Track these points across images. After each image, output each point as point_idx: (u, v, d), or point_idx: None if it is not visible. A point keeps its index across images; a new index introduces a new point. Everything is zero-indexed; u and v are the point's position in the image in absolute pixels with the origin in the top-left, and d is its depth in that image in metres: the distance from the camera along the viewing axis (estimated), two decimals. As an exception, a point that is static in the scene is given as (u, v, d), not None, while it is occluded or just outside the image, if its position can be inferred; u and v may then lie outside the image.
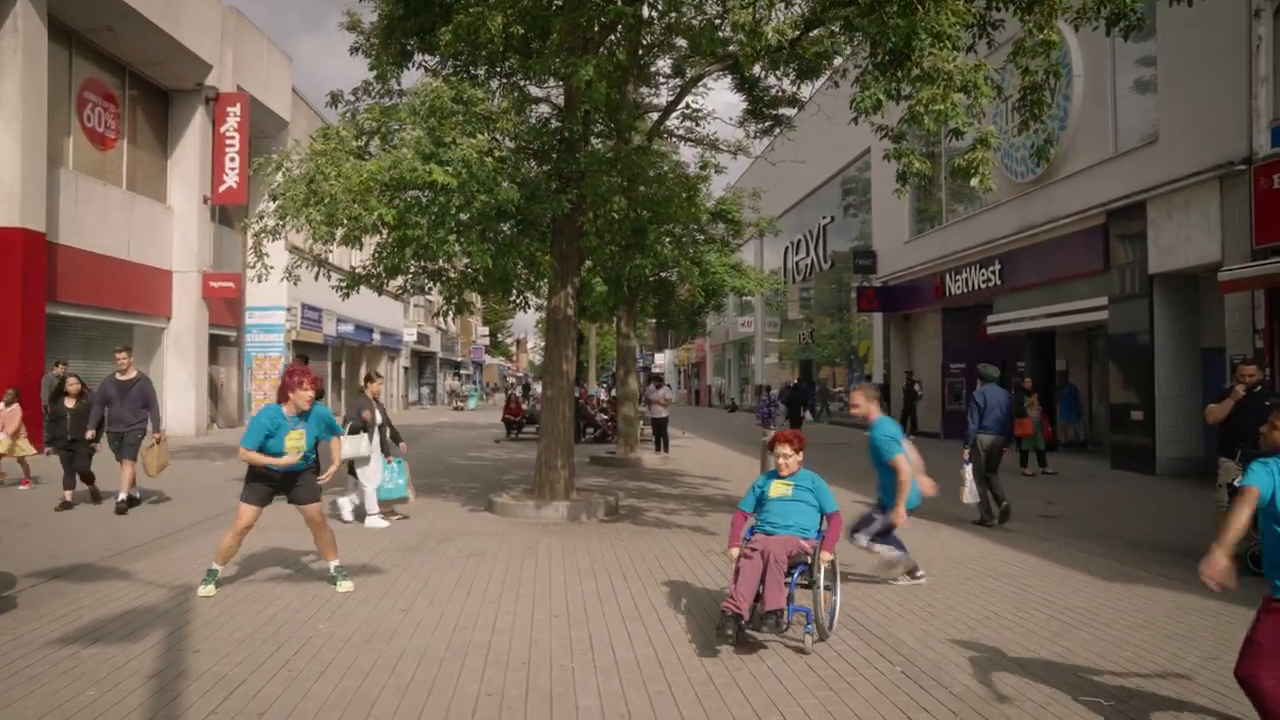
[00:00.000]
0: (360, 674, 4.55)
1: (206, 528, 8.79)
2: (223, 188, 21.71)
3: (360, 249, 9.66)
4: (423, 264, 11.22)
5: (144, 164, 20.13)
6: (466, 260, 9.73)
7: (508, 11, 8.47)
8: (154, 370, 20.42)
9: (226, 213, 23.33)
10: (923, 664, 4.90)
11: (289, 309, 26.26)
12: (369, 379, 10.02)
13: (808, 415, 23.93)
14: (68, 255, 16.87)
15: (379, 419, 9.60)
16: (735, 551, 5.25)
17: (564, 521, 9.66)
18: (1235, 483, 7.28)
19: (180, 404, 20.75)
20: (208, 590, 6.09)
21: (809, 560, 5.26)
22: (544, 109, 11.69)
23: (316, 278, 9.88)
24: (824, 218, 31.21)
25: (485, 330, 65.87)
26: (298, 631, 5.28)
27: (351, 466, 9.31)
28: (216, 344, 23.58)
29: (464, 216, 9.44)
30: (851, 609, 6.02)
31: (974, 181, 6.66)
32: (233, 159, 21.51)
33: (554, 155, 10.17)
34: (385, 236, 9.78)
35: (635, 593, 6.42)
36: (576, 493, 10.49)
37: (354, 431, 9.19)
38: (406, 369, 42.74)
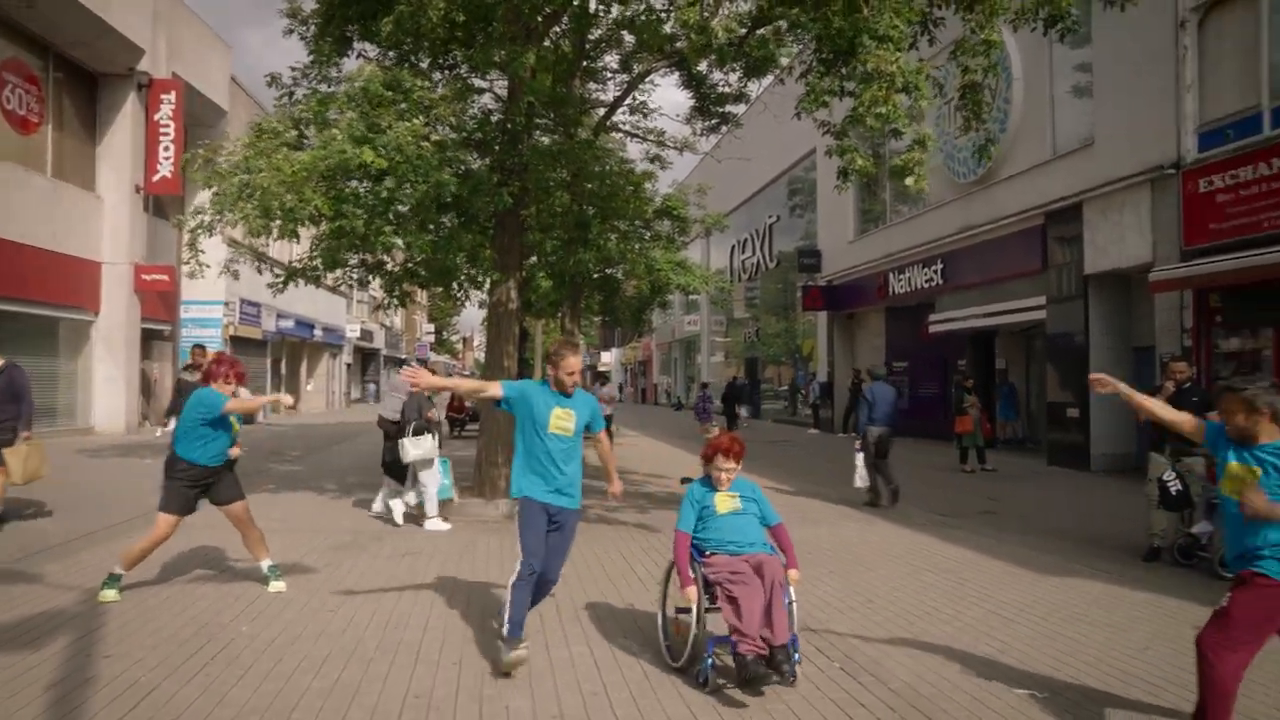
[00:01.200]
0: (282, 677, 4.36)
1: (127, 529, 8.42)
2: (156, 177, 20.99)
3: (298, 241, 9.37)
4: (362, 257, 10.98)
5: (71, 151, 19.38)
6: (406, 253, 9.49)
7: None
8: (82, 365, 19.72)
9: (161, 203, 22.61)
10: (861, 659, 4.87)
11: (227, 303, 25.56)
12: (464, 370, 9.47)
13: (743, 412, 24.06)
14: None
15: (438, 415, 9.13)
16: (693, 591, 4.43)
17: (504, 520, 9.48)
18: (1164, 477, 7.43)
19: (110, 400, 20.06)
20: (110, 595, 5.70)
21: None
22: (487, 100, 11.51)
23: (260, 271, 9.52)
24: (770, 217, 31.38)
25: (430, 327, 65.01)
26: (219, 634, 5.06)
27: (403, 466, 8.94)
28: (150, 339, 22.84)
29: (403, 208, 9.24)
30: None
31: (909, 181, 6.68)
32: (167, 148, 20.80)
33: (496, 147, 10.00)
34: (322, 229, 9.52)
35: (573, 590, 6.29)
36: (518, 490, 10.31)
37: (418, 432, 8.71)
38: (349, 366, 41.98)
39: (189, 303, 24.10)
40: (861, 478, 10.71)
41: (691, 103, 16.87)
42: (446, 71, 11.00)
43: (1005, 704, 4.22)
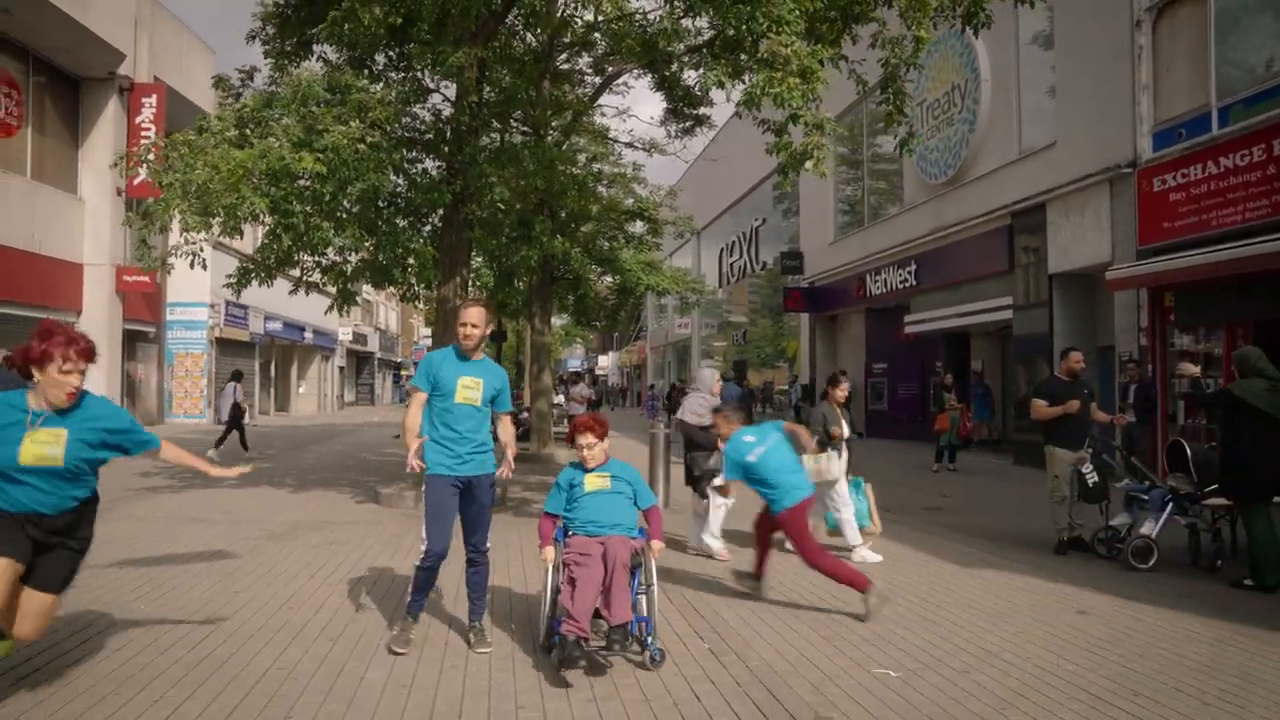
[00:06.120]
0: (157, 650, 4.50)
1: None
2: (138, 180, 21.20)
3: (241, 238, 9.53)
4: (315, 259, 11.13)
5: (52, 154, 19.64)
6: (343, 252, 9.64)
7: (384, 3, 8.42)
8: (62, 365, 19.93)
9: (148, 206, 22.85)
10: (733, 640, 4.97)
11: (212, 305, 25.82)
12: (834, 380, 7.79)
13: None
14: (-36, 245, 16.39)
15: (846, 431, 7.60)
16: (551, 551, 4.68)
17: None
18: (1083, 469, 7.52)
19: (91, 400, 20.28)
20: None
21: (641, 562, 4.75)
22: (437, 100, 11.66)
23: (192, 266, 9.68)
24: (756, 220, 31.49)
25: (428, 331, 65.20)
26: (110, 610, 5.19)
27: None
28: (134, 340, 23.09)
29: (353, 206, 9.40)
30: (688, 591, 6.08)
31: (808, 166, 6.80)
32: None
33: (445, 147, 10.15)
34: (269, 225, 9.69)
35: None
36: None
37: (820, 449, 7.34)
38: (342, 369, 42.22)
39: (174, 304, 24.36)
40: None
41: (665, 105, 17.11)
42: (402, 72, 11.18)
43: (854, 681, 4.32)
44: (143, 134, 20.93)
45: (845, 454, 7.59)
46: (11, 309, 17.92)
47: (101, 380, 20.40)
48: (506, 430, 5.02)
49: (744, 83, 6.80)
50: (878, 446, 21.05)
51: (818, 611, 5.65)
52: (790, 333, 29.10)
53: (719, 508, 7.49)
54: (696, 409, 7.75)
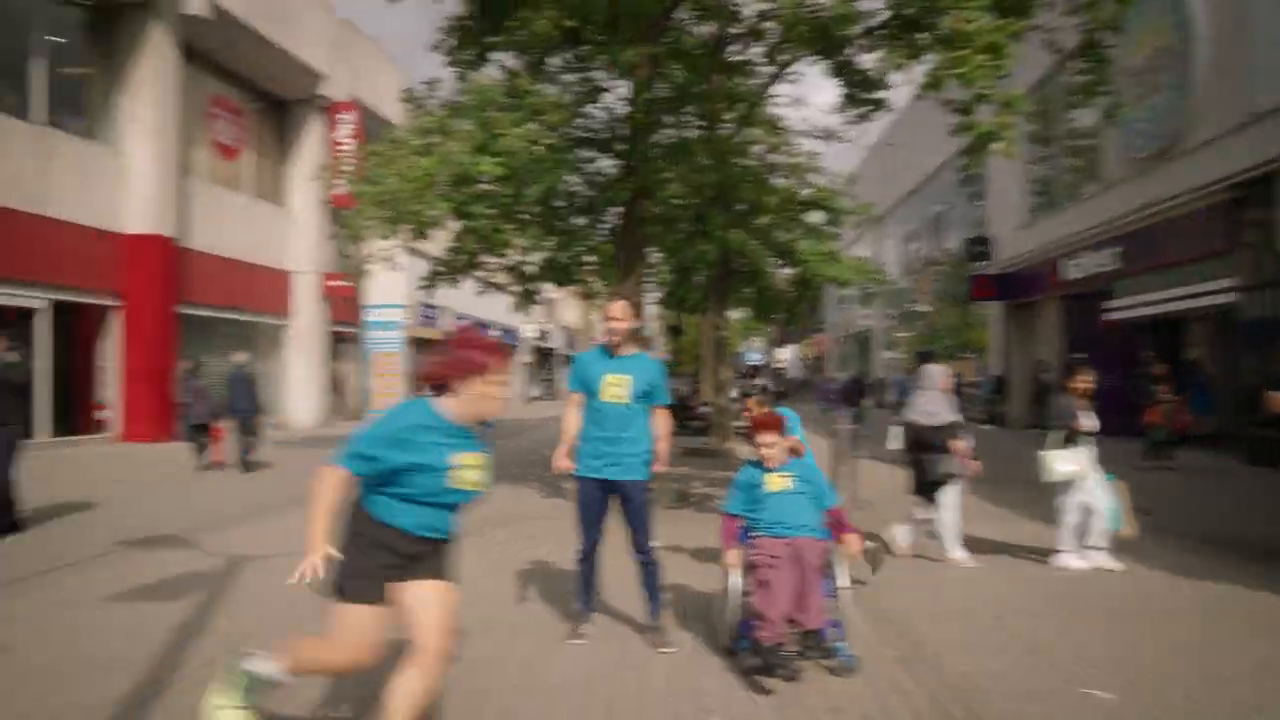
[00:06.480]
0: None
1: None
2: (339, 192, 22.84)
3: (428, 240, 10.02)
4: (498, 258, 11.55)
5: (267, 172, 21.46)
6: (524, 252, 9.93)
7: (556, 8, 8.60)
8: (276, 366, 21.77)
9: (345, 216, 24.59)
10: (925, 650, 4.70)
11: (407, 306, 27.37)
12: (1071, 371, 7.13)
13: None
14: (198, 260, 18.16)
15: (1092, 425, 7.01)
16: (735, 554, 4.52)
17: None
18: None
19: (301, 398, 22.06)
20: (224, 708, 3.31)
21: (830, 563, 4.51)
22: (611, 99, 11.80)
23: (385, 270, 10.26)
24: (940, 205, 30.14)
25: (607, 327, 66.62)
26: (310, 606, 5.52)
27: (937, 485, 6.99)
28: (340, 341, 24.85)
29: (535, 206, 9.67)
30: (875, 596, 5.82)
31: (997, 147, 6.33)
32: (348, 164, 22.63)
33: (618, 145, 10.26)
34: (455, 230, 10.13)
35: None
36: (646, 480, 10.52)
37: (1067, 441, 6.91)
38: (527, 365, 43.90)
39: (372, 307, 25.98)
40: None
41: (843, 91, 16.58)
42: (576, 73, 11.39)
43: (1062, 702, 3.98)
44: (342, 149, 22.51)
45: (1090, 450, 6.95)
46: (235, 314, 19.72)
47: (311, 380, 22.14)
48: (660, 424, 4.92)
49: (923, 63, 6.44)
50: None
51: (1019, 623, 5.26)
52: (978, 322, 27.66)
53: (952, 511, 7.02)
54: (927, 408, 7.09)
